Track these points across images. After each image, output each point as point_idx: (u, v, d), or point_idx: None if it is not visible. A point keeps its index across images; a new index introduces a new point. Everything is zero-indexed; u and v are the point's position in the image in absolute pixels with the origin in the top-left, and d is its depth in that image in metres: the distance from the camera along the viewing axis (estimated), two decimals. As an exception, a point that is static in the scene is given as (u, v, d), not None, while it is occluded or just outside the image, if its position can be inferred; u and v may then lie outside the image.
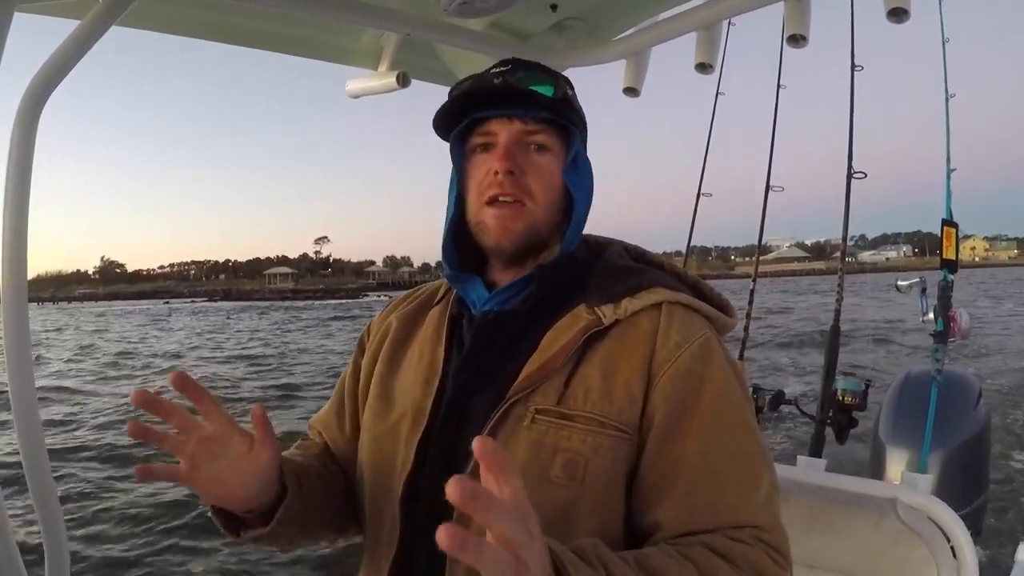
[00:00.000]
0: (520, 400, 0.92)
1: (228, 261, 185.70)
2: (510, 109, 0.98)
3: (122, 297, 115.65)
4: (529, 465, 0.89)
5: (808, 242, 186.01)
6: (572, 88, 1.05)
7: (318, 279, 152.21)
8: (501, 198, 0.97)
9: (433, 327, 1.08)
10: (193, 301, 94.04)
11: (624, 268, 1.03)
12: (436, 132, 1.04)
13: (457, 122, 1.02)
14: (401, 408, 1.02)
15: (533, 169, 0.98)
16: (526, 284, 1.00)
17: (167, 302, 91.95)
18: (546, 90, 0.98)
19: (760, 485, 0.89)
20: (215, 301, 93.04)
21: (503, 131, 0.98)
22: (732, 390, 0.93)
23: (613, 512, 0.91)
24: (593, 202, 1.06)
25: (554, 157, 1.00)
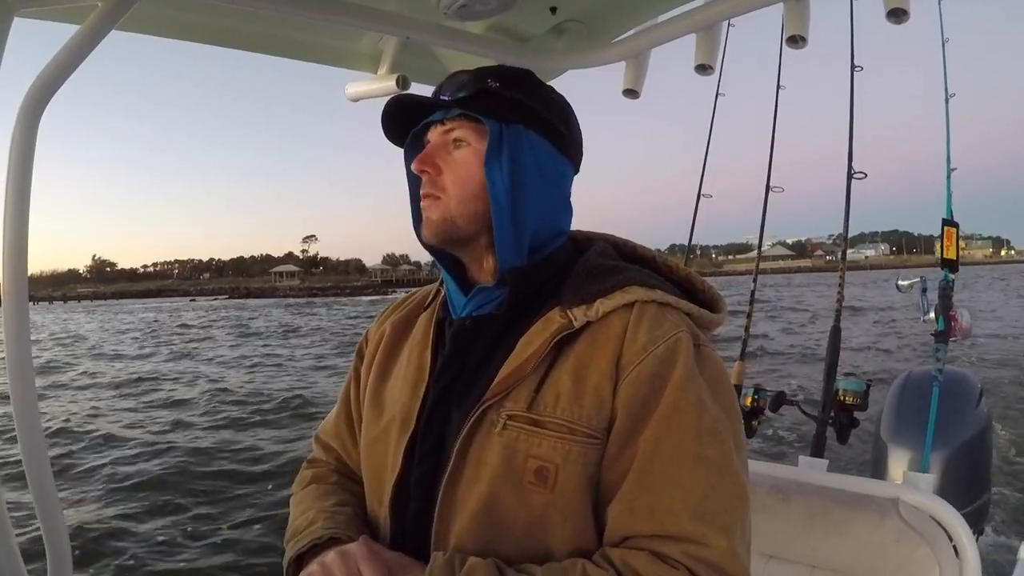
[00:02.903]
0: (493, 405, 0.92)
1: (212, 260, 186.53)
2: (435, 116, 1.03)
3: (129, 295, 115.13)
4: (503, 471, 0.90)
5: (789, 241, 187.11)
6: (506, 80, 1.00)
7: (324, 276, 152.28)
8: (427, 196, 1.01)
9: (422, 332, 1.09)
10: (215, 298, 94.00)
11: (601, 267, 1.00)
12: (391, 141, 1.09)
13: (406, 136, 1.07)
14: (390, 413, 1.04)
15: (448, 165, 1.01)
16: (500, 287, 1.00)
17: (193, 299, 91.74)
18: (460, 91, 1.00)
19: (712, 493, 0.86)
20: (235, 298, 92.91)
21: (432, 136, 1.03)
22: (692, 390, 0.89)
23: (585, 516, 0.91)
24: (582, 199, 1.06)
25: (471, 151, 1.00)
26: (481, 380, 0.96)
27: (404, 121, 1.06)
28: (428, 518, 0.93)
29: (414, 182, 1.06)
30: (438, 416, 0.98)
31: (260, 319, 38.42)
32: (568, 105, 1.06)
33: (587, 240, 1.09)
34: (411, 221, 1.07)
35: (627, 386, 0.90)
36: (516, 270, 0.98)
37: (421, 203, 1.02)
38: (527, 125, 0.99)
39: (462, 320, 1.02)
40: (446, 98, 1.01)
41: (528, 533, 0.90)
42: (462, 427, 0.93)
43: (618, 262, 1.03)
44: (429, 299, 1.15)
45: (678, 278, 1.05)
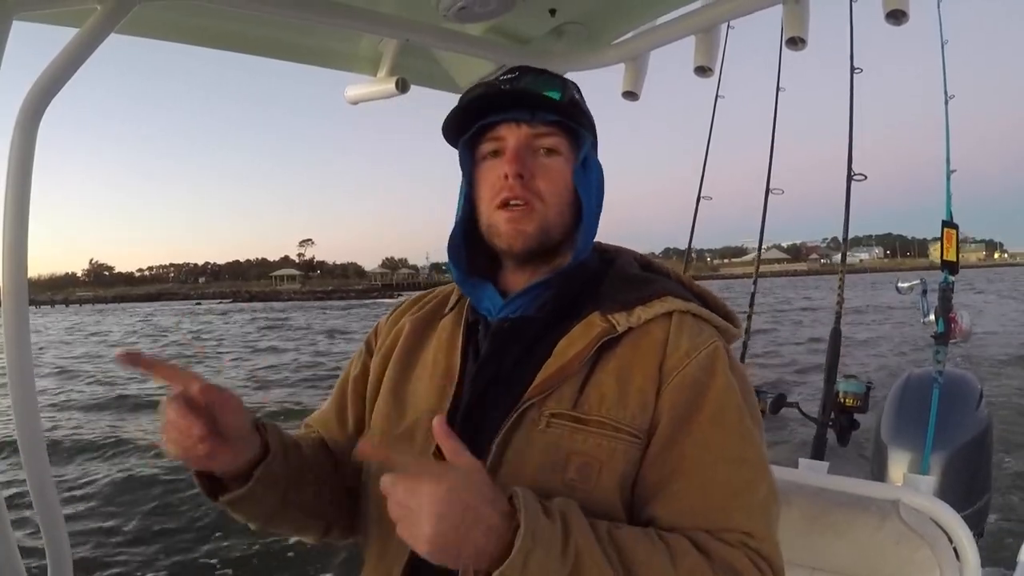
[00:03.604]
0: (535, 405, 0.93)
1: (207, 264, 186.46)
2: (518, 113, 1.00)
3: (129, 299, 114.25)
4: (545, 467, 0.91)
5: (785, 244, 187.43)
6: (579, 92, 1.07)
7: (324, 280, 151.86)
8: (512, 202, 0.98)
9: (448, 334, 1.08)
10: (220, 302, 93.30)
11: (635, 277, 1.05)
12: (445, 139, 1.05)
13: (466, 129, 1.03)
14: (415, 413, 1.03)
15: (542, 172, 1.00)
16: (542, 290, 1.02)
17: (198, 303, 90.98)
18: (553, 94, 1.00)
19: (755, 492, 0.90)
20: (239, 302, 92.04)
21: (512, 136, 1.00)
22: (732, 397, 0.94)
23: (619, 514, 0.92)
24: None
25: (564, 160, 1.01)
26: (519, 382, 0.96)
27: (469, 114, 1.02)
28: None
29: (475, 179, 1.04)
30: (472, 419, 0.97)
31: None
32: None
33: (608, 252, 1.12)
34: (458, 218, 1.06)
35: (671, 390, 0.93)
36: (561, 274, 1.01)
37: (504, 211, 0.99)
38: (593, 141, 1.05)
39: (501, 321, 1.03)
40: (554, 96, 1.00)
41: None
42: (501, 425, 0.93)
43: (649, 274, 1.07)
44: (453, 301, 1.14)
45: (693, 293, 1.07)
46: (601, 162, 1.09)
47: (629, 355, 0.95)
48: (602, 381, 0.94)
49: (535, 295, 1.02)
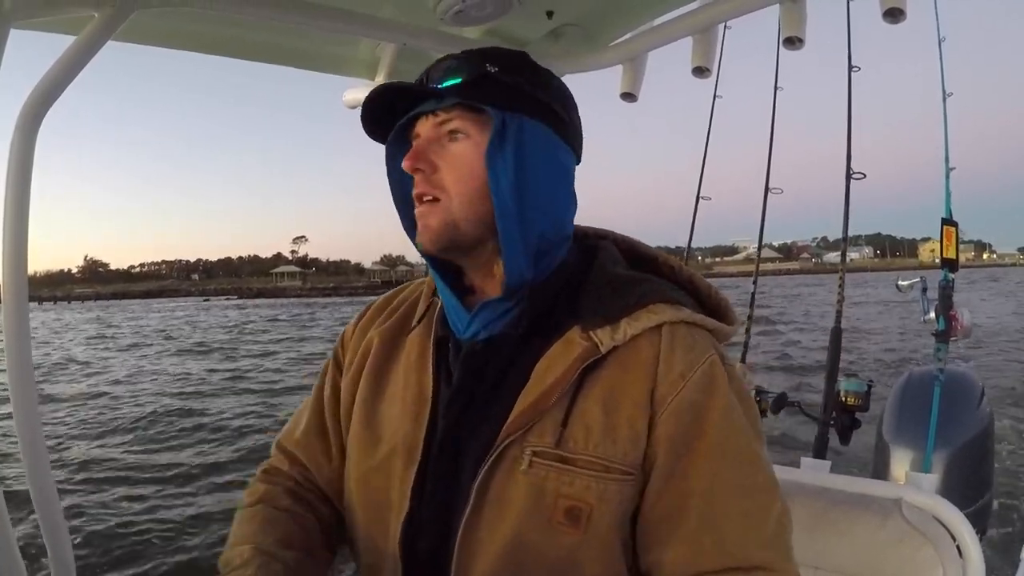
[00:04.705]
0: (516, 440, 0.85)
1: (200, 260, 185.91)
2: (425, 105, 0.92)
3: (130, 296, 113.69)
4: (530, 511, 0.84)
5: (776, 244, 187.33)
6: (506, 63, 0.91)
7: (323, 277, 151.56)
8: (424, 197, 0.91)
9: (417, 351, 0.99)
10: (228, 298, 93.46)
11: (619, 279, 0.94)
12: (372, 137, 0.99)
13: (390, 128, 0.97)
14: (391, 442, 0.94)
15: (446, 161, 0.90)
16: (511, 305, 0.92)
17: (206, 299, 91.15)
18: (450, 80, 0.89)
19: (768, 519, 0.84)
20: (244, 299, 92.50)
21: (423, 129, 0.93)
22: (735, 418, 0.86)
23: (617, 554, 0.87)
24: (569, 195, 0.96)
25: (472, 143, 0.90)
26: (495, 409, 0.88)
27: (388, 114, 0.95)
28: (444, 556, 0.86)
29: (400, 182, 0.97)
30: (448, 449, 0.90)
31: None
32: (567, 89, 0.98)
33: (586, 237, 1.02)
34: (402, 225, 0.98)
35: (667, 418, 0.85)
36: (533, 288, 0.91)
37: (416, 207, 0.92)
38: (530, 114, 0.90)
39: (472, 343, 0.93)
40: (439, 86, 0.89)
41: (556, 573, 0.84)
42: (480, 464, 0.85)
43: (633, 272, 0.97)
44: (421, 312, 1.04)
45: (681, 281, 0.99)
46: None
47: (616, 378, 0.86)
48: (587, 411, 0.85)
49: (502, 307, 0.92)
